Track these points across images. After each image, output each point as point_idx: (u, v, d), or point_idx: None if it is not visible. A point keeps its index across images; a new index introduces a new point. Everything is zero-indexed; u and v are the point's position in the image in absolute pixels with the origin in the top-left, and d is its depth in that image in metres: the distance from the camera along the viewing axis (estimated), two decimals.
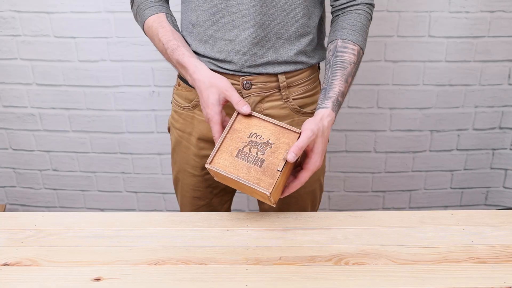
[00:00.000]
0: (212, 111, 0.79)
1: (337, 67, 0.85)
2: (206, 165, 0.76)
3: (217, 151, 0.77)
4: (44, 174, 1.80)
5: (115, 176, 1.78)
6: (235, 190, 1.10)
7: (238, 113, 0.80)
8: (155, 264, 0.73)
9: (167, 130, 1.67)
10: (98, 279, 0.70)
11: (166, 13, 0.91)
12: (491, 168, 1.77)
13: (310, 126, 0.77)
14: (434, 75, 1.59)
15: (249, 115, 0.79)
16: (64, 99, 1.64)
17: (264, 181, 0.74)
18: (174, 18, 0.94)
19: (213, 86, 0.80)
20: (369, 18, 0.90)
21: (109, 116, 1.66)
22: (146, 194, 1.82)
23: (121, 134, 1.70)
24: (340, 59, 0.85)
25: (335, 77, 0.84)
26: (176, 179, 1.07)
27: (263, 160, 0.76)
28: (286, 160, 0.74)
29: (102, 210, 1.86)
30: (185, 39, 0.95)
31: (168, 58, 0.89)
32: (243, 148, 0.77)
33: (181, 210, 1.11)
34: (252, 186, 0.74)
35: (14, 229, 0.82)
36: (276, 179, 0.74)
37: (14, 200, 1.86)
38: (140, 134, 1.70)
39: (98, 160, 1.75)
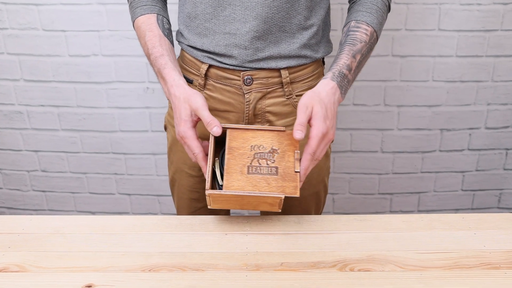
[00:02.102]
0: (185, 127, 0.80)
1: (345, 44, 0.86)
2: (206, 192, 0.76)
3: (226, 174, 0.77)
4: (32, 175, 1.80)
5: (107, 177, 1.78)
6: None
7: (228, 130, 0.81)
8: (149, 270, 0.73)
9: (162, 129, 1.68)
10: (89, 286, 0.70)
11: (157, 14, 0.91)
12: (505, 169, 1.77)
13: (301, 101, 0.78)
14: (444, 70, 1.59)
15: (243, 129, 0.81)
16: (53, 96, 1.64)
17: (288, 187, 0.76)
18: (167, 19, 0.93)
19: (186, 102, 0.81)
20: (386, 4, 0.91)
21: (101, 114, 1.66)
22: (140, 196, 1.82)
23: (114, 133, 1.70)
24: (350, 37, 0.86)
25: (341, 53, 0.85)
26: (173, 180, 1.07)
27: (277, 168, 0.77)
28: (300, 159, 0.78)
29: (93, 213, 1.86)
30: (181, 33, 0.95)
31: (151, 64, 0.90)
32: (251, 163, 0.78)
33: (178, 213, 1.11)
34: (266, 195, 0.75)
35: (0, 233, 0.82)
36: (299, 181, 0.77)
37: (1, 202, 1.86)
38: (134, 133, 1.70)
39: (89, 161, 1.75)
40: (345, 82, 0.84)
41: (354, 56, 0.84)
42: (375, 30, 0.88)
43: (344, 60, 0.84)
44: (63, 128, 1.70)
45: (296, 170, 0.77)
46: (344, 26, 0.90)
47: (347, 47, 0.85)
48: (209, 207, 0.79)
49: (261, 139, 0.80)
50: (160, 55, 0.86)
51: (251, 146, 0.80)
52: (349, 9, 0.93)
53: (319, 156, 0.79)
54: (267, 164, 0.78)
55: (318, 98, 0.79)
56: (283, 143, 0.80)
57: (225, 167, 0.78)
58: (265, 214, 1.11)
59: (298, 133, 0.75)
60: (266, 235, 0.82)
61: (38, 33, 1.54)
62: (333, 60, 0.86)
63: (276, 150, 0.79)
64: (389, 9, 0.92)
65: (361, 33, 0.86)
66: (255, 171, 0.77)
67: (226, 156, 0.79)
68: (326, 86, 0.81)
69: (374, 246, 0.79)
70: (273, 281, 0.70)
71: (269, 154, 0.79)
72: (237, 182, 0.76)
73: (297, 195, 0.76)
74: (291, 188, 0.76)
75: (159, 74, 0.87)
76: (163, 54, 0.87)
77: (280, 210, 0.79)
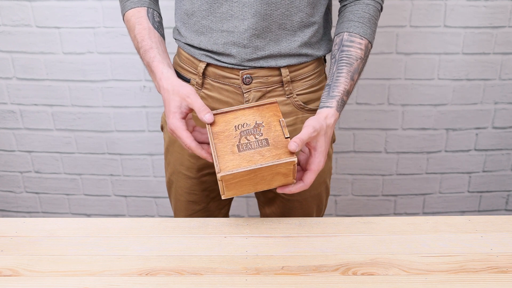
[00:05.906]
0: (174, 118, 0.81)
1: (342, 63, 0.87)
2: (219, 175, 0.75)
3: (217, 159, 0.77)
4: (25, 176, 1.80)
5: (103, 178, 1.79)
6: None
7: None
8: (146, 274, 0.73)
9: (159, 129, 1.68)
10: None
11: (147, 7, 0.92)
12: None
13: (312, 123, 0.79)
14: (450, 68, 1.59)
15: (224, 113, 0.82)
16: (47, 95, 1.64)
17: (283, 153, 0.76)
18: (158, 12, 0.94)
19: (175, 94, 0.82)
20: (379, 9, 0.91)
21: (96, 113, 1.67)
22: (137, 198, 1.82)
23: (110, 133, 1.70)
24: (346, 54, 0.87)
25: (340, 74, 0.86)
26: (170, 182, 1.07)
27: (266, 139, 0.78)
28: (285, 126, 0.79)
29: (88, 215, 1.87)
30: (178, 31, 0.95)
31: (141, 57, 0.91)
32: (239, 142, 0.78)
33: (175, 216, 1.12)
34: (278, 162, 0.75)
35: None
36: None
37: None
38: (130, 132, 1.70)
39: (84, 161, 1.75)
40: (343, 107, 0.87)
41: (352, 78, 0.87)
42: (369, 41, 0.89)
43: (344, 85, 0.86)
44: (57, 128, 1.70)
45: (286, 136, 0.78)
46: (336, 35, 0.91)
47: (345, 68, 0.86)
48: (222, 197, 0.78)
49: (243, 117, 0.81)
50: (149, 48, 0.87)
51: (235, 126, 0.80)
52: (340, 12, 0.93)
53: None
54: (256, 138, 0.79)
55: (324, 130, 0.81)
56: (265, 116, 0.81)
57: (214, 153, 0.77)
58: (265, 216, 1.11)
59: (294, 145, 0.76)
60: (266, 238, 0.82)
61: (32, 30, 1.55)
62: (331, 78, 0.87)
63: (260, 123, 0.80)
64: (381, 9, 0.93)
65: (356, 48, 0.87)
66: (246, 147, 0.78)
67: (214, 141, 0.79)
68: (333, 117, 0.83)
69: (378, 249, 0.79)
70: (273, 286, 0.71)
71: (254, 129, 0.80)
72: (231, 162, 0.76)
73: (294, 158, 0.76)
74: (286, 154, 0.76)
75: (149, 68, 0.88)
76: (152, 47, 0.87)
77: (295, 181, 0.79)
